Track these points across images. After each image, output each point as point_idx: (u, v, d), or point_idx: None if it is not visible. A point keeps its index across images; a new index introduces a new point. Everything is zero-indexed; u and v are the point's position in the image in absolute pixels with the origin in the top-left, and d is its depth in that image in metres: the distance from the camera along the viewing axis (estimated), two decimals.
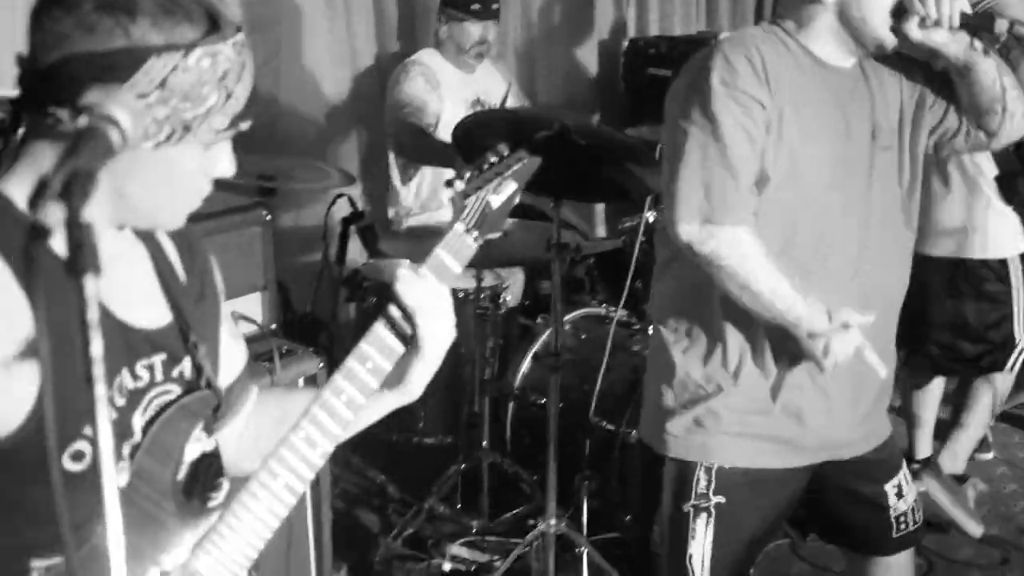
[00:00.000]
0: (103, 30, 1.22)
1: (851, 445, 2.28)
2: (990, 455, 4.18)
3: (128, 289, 1.39)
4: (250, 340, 2.71)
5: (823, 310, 2.06)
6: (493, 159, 1.56)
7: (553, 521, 3.15)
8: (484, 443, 3.50)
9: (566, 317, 3.62)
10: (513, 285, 3.80)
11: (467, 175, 1.53)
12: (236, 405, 1.59)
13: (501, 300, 3.63)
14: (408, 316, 1.43)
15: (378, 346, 1.44)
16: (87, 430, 1.26)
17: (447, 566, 3.27)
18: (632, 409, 3.31)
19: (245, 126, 1.32)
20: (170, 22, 1.23)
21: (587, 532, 3.25)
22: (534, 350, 3.60)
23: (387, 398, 1.52)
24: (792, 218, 2.11)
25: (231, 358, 1.58)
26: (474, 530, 3.42)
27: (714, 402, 2.18)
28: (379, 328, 1.44)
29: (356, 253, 3.92)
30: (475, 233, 1.51)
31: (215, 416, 1.47)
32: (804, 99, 2.08)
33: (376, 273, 3.65)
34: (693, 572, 2.20)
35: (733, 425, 2.18)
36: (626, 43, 5.14)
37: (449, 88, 3.98)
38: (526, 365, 3.58)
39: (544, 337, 3.58)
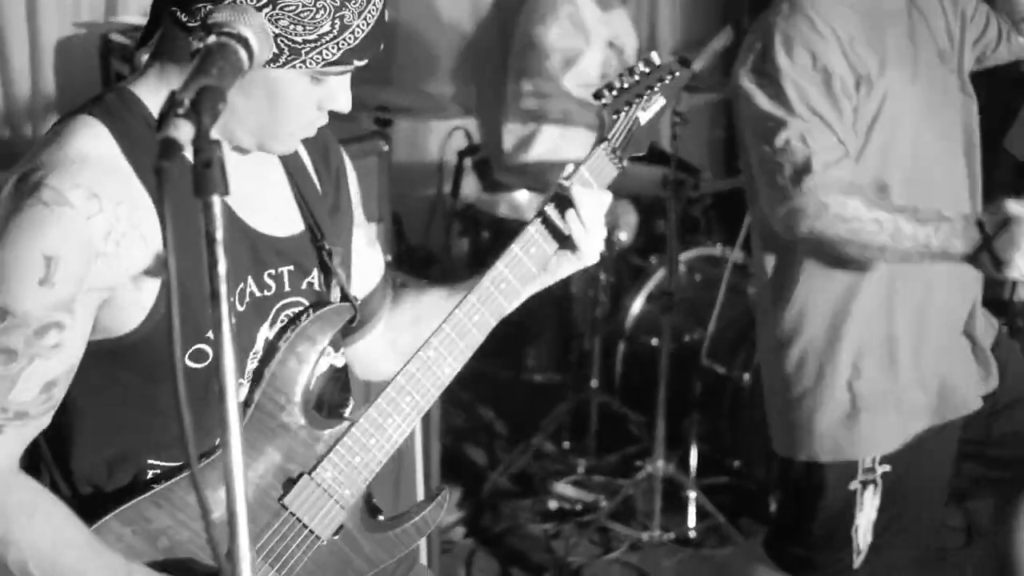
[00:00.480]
0: None
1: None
2: None
3: (260, 197, 1.39)
4: None
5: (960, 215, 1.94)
6: (644, 69, 1.49)
7: (661, 463, 3.12)
8: (593, 382, 3.47)
9: (680, 257, 3.54)
10: (626, 223, 3.74)
11: (616, 87, 1.46)
12: (373, 318, 1.57)
13: (614, 238, 3.57)
14: (566, 222, 1.41)
15: (518, 263, 1.41)
16: (211, 334, 1.27)
17: (553, 504, 3.27)
18: (744, 353, 3.24)
19: (360, 63, 1.28)
20: None
21: (695, 475, 3.21)
22: (647, 290, 3.54)
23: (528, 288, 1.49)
24: (895, 155, 2.01)
25: (367, 266, 1.55)
26: (581, 469, 3.41)
27: (857, 387, 2.10)
28: (529, 237, 1.41)
29: (471, 187, 3.91)
30: (620, 153, 1.46)
31: (351, 327, 1.46)
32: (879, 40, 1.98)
33: (491, 207, 3.62)
34: (858, 544, 2.13)
35: (880, 406, 2.10)
36: None
37: (590, 26, 3.89)
38: (638, 305, 3.53)
39: (657, 277, 3.52)
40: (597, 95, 1.46)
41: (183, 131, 0.93)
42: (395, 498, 2.58)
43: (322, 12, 1.22)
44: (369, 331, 1.58)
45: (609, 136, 1.45)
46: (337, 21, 1.23)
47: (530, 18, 3.87)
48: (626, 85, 1.47)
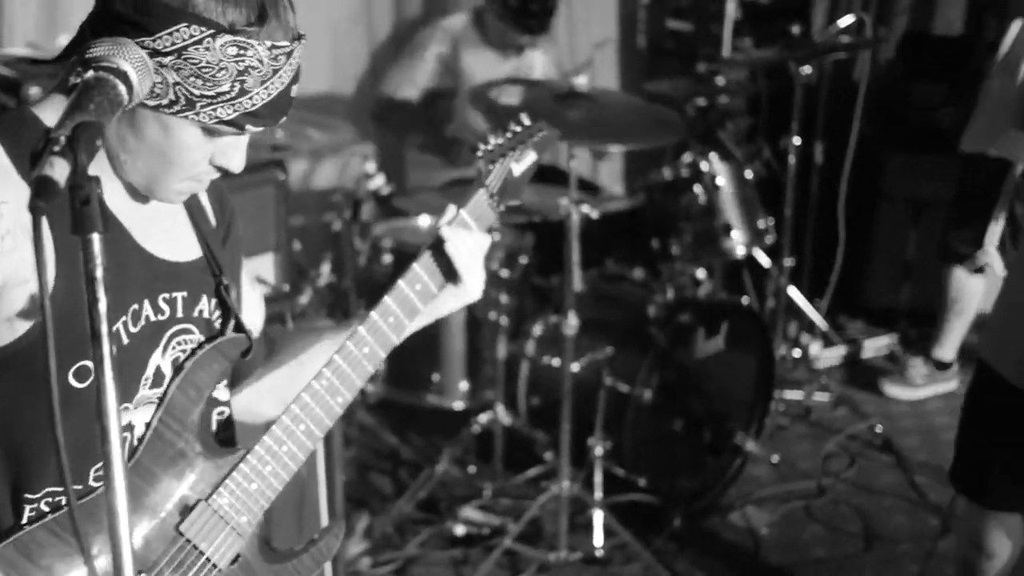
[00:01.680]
0: None
1: None
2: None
3: (157, 221, 1.40)
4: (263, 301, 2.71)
5: None
6: (516, 128, 1.62)
7: (566, 483, 3.14)
8: (498, 404, 3.48)
9: (581, 276, 3.58)
10: (526, 246, 3.77)
11: (492, 142, 1.59)
12: (254, 362, 1.59)
13: (517, 260, 3.59)
14: (449, 262, 1.49)
15: (405, 298, 1.48)
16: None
17: (460, 529, 3.25)
18: (646, 370, 3.28)
19: (255, 130, 1.30)
20: (217, 1, 1.22)
21: (600, 494, 3.23)
22: (549, 311, 3.57)
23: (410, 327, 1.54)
24: None
25: (251, 310, 1.58)
26: (487, 493, 3.40)
27: None
28: (415, 274, 1.48)
29: (371, 213, 3.89)
30: (497, 199, 1.56)
31: (241, 361, 1.48)
32: None
33: (394, 233, 3.61)
34: None
35: None
36: None
37: (476, 66, 3.96)
38: (540, 326, 3.55)
39: (559, 297, 3.54)
40: (473, 148, 1.58)
41: (59, 169, 0.92)
42: (298, 529, 2.55)
43: (224, 72, 1.23)
44: (249, 380, 1.59)
45: (487, 183, 1.55)
46: (237, 84, 1.24)
47: (408, 50, 3.98)
48: (501, 140, 1.60)
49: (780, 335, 4.26)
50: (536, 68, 4.12)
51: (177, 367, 1.39)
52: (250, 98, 1.26)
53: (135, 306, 1.35)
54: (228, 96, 1.24)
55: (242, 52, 1.23)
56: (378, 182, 3.73)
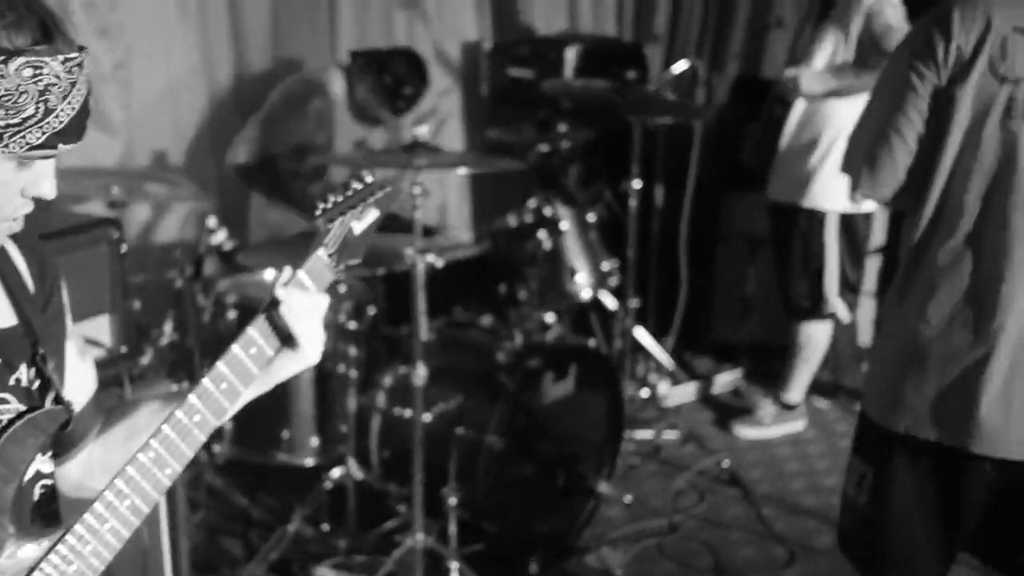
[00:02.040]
0: None
1: None
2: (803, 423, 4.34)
3: None
4: (99, 364, 2.62)
5: None
6: (357, 186, 1.58)
7: (420, 536, 3.13)
8: (350, 459, 3.44)
9: (430, 325, 3.58)
10: (372, 296, 3.76)
11: (331, 200, 1.54)
12: (86, 435, 1.54)
13: (364, 311, 3.57)
14: (286, 324, 1.44)
15: (239, 363, 1.44)
16: None
17: None
18: (496, 417, 3.30)
19: (66, 148, 1.28)
20: None
21: (456, 544, 3.22)
22: (398, 362, 3.56)
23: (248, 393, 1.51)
24: None
25: (79, 379, 1.53)
26: (341, 550, 3.35)
27: None
28: (249, 338, 1.44)
29: (213, 269, 3.82)
30: (336, 259, 1.53)
31: (63, 434, 1.43)
32: None
33: (239, 288, 3.56)
34: None
35: None
36: (487, 46, 5.12)
37: (342, 123, 3.97)
38: (391, 377, 3.53)
39: (408, 347, 3.53)
40: (313, 207, 1.54)
41: None
42: None
43: (25, 96, 1.21)
44: (79, 451, 1.54)
45: (325, 243, 1.51)
46: (41, 104, 1.22)
47: (277, 101, 3.93)
48: (340, 199, 1.55)
49: (628, 375, 4.34)
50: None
51: None
52: (56, 116, 1.24)
53: None
54: (35, 119, 1.22)
55: (38, 71, 1.21)
56: (220, 237, 3.66)
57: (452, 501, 3.24)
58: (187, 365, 3.45)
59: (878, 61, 3.69)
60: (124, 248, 2.70)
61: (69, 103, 1.25)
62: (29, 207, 1.32)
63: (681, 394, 4.50)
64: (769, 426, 4.27)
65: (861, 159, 2.18)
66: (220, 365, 1.43)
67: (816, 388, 4.40)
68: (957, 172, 2.06)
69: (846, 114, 3.71)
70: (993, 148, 2.03)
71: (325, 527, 3.46)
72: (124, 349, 2.72)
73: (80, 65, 1.26)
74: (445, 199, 5.06)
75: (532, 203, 3.97)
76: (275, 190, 3.93)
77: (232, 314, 3.52)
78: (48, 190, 1.30)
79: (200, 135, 4.20)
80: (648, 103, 4.26)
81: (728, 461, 3.99)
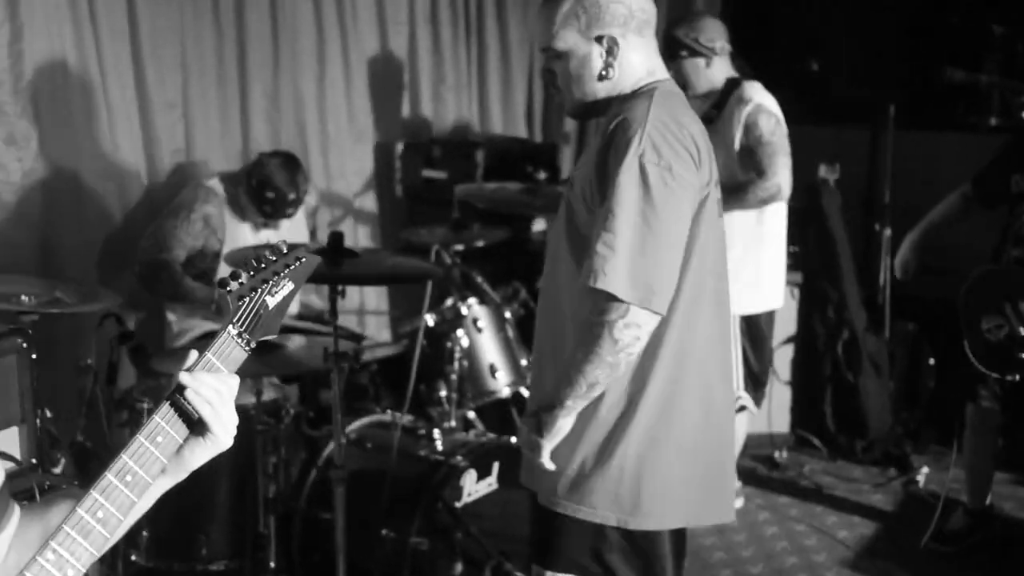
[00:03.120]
0: None
1: None
2: (740, 501, 4.37)
3: None
4: (10, 476, 2.56)
5: None
6: (271, 257, 1.54)
7: None
8: (272, 564, 3.37)
9: (351, 426, 3.56)
10: (290, 395, 3.73)
11: (242, 276, 1.50)
12: None
13: (283, 413, 3.53)
14: (193, 408, 1.42)
15: (144, 454, 1.40)
16: None
17: None
18: (420, 517, 3.27)
19: None
20: None
21: None
22: (319, 463, 3.51)
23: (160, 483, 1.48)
24: None
25: None
26: None
27: None
28: (155, 427, 1.41)
29: (127, 375, 3.76)
30: (247, 336, 1.48)
31: None
32: None
33: (152, 393, 3.50)
34: None
35: None
36: (400, 147, 5.19)
37: (237, 228, 3.96)
38: (311, 479, 3.48)
39: (328, 449, 3.50)
40: (222, 283, 1.50)
41: None
42: None
43: None
44: None
45: (234, 320, 1.48)
46: None
47: (171, 210, 3.94)
48: (252, 272, 1.51)
49: None
50: (285, 229, 4.11)
51: None
52: None
53: None
54: None
55: None
56: (134, 342, 3.62)
57: None
58: (102, 472, 3.36)
59: (747, 178, 3.81)
60: (33, 356, 2.66)
61: None
62: None
63: None
64: None
65: None
66: (124, 457, 1.38)
67: (740, 474, 4.45)
68: None
69: (739, 224, 3.82)
70: None
71: None
72: (34, 461, 2.66)
73: None
74: (362, 300, 5.07)
75: (449, 302, 3.99)
76: (174, 294, 3.89)
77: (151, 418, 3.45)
78: None
79: (112, 237, 4.16)
80: (556, 201, 4.33)
81: None
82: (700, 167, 2.24)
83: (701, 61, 3.92)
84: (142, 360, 3.62)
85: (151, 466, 1.40)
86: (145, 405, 3.45)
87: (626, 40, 2.30)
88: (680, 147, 2.20)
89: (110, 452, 3.55)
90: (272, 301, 1.52)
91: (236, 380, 1.47)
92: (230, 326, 1.47)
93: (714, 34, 3.95)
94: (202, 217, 3.90)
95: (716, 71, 3.95)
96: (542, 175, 4.77)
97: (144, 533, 3.38)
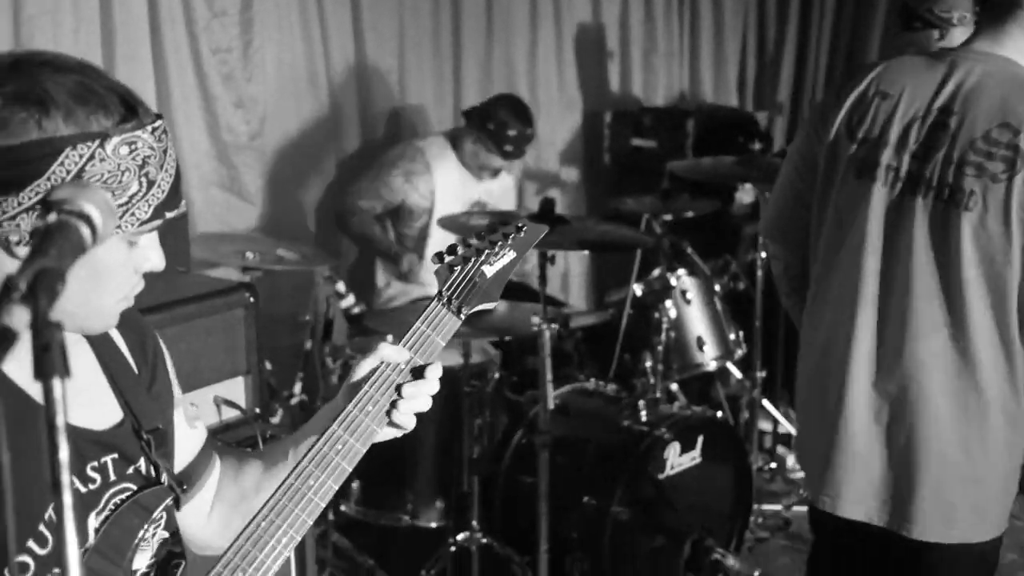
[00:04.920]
0: (16, 123, 1.17)
1: None
2: None
3: (72, 388, 1.33)
4: (234, 425, 2.68)
5: None
6: (493, 228, 1.55)
7: None
8: (474, 524, 3.43)
9: (554, 392, 3.57)
10: (494, 360, 3.78)
11: (457, 246, 1.52)
12: (197, 481, 1.54)
13: (488, 376, 3.58)
14: (400, 424, 1.46)
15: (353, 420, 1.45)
16: (31, 543, 1.22)
17: None
18: (622, 487, 3.25)
19: (172, 215, 1.27)
20: (84, 111, 1.19)
21: None
22: (523, 427, 3.55)
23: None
24: None
25: (189, 446, 1.53)
26: None
27: None
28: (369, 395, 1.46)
29: (342, 332, 3.88)
30: (458, 304, 1.49)
31: (177, 508, 1.44)
32: None
33: (365, 351, 3.60)
34: None
35: None
36: (609, 115, 5.16)
37: (447, 187, 4.04)
38: (515, 442, 3.52)
39: (533, 411, 3.52)
40: (439, 256, 1.52)
41: (17, 317, 0.91)
42: None
43: (128, 174, 1.20)
44: (193, 496, 1.54)
45: (443, 290, 1.50)
46: (143, 178, 1.22)
47: (378, 167, 4.06)
48: (472, 243, 1.53)
49: (756, 447, 4.24)
50: (498, 192, 4.18)
51: (96, 528, 1.32)
52: (158, 187, 1.24)
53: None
54: (140, 194, 1.22)
55: (133, 147, 1.21)
56: (348, 301, 3.74)
57: (576, 572, 3.20)
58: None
59: None
60: (258, 311, 2.77)
61: (166, 171, 1.25)
62: (142, 284, 1.32)
63: None
64: None
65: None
66: (334, 426, 1.44)
67: None
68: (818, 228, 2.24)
69: None
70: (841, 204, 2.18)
71: None
72: (257, 411, 2.78)
73: (165, 131, 1.26)
74: (567, 267, 5.08)
75: (656, 272, 3.95)
76: (361, 236, 4.11)
77: None
78: (158, 262, 1.29)
79: (328, 201, 4.30)
80: (773, 174, 4.21)
81: None
82: None
83: (935, 33, 3.70)
84: (356, 318, 3.73)
85: (364, 433, 1.46)
86: (357, 360, 3.55)
87: None
88: None
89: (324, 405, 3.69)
90: (490, 270, 1.53)
91: (438, 369, 1.48)
92: (438, 296, 1.49)
93: (952, 3, 3.72)
94: (403, 173, 4.03)
95: (953, 44, 3.72)
96: (756, 145, 4.65)
97: (354, 486, 3.50)
